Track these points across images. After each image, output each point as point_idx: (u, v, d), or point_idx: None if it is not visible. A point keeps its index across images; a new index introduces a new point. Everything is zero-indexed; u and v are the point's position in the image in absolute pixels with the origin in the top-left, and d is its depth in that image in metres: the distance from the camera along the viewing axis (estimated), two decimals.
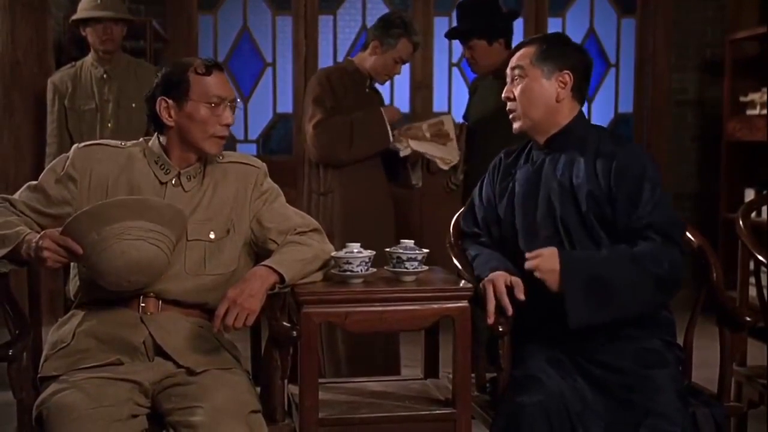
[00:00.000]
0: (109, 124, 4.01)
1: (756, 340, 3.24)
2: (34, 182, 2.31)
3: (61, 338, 2.24)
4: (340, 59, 5.63)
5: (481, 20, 3.71)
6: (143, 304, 2.25)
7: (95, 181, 2.27)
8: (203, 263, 2.29)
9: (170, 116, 2.27)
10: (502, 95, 2.47)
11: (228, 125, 2.29)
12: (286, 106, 5.75)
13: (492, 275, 2.32)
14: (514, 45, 3.73)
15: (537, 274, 2.23)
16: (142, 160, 2.31)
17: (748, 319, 2.38)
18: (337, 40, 5.74)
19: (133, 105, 4.07)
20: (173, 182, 2.30)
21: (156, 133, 2.35)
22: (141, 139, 2.39)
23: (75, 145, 2.35)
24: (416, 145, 3.56)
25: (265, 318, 2.29)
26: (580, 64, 2.43)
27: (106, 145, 2.35)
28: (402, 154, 3.58)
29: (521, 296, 2.27)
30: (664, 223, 2.30)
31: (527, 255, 2.27)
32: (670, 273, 2.25)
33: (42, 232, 2.10)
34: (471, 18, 3.74)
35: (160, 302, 2.26)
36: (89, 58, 4.11)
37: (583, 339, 2.28)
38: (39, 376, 2.21)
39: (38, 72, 4.35)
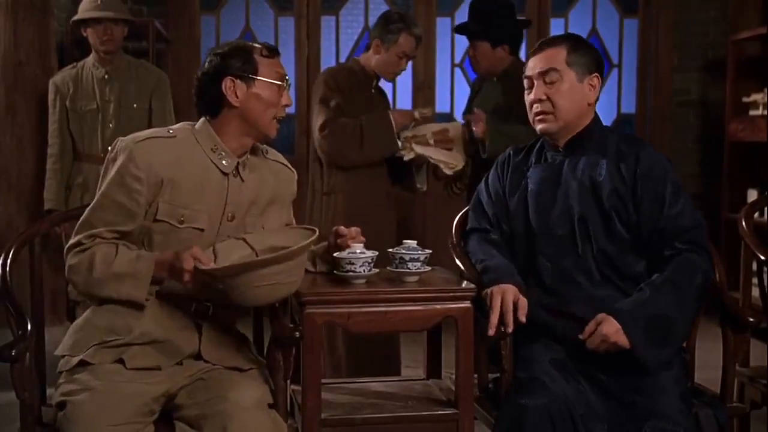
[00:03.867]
0: (111, 125, 4.01)
1: (759, 340, 3.23)
2: (104, 199, 2.19)
3: (114, 329, 2.20)
4: (342, 60, 5.64)
5: (490, 23, 3.70)
6: (194, 310, 2.25)
7: (159, 176, 2.18)
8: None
9: (237, 96, 2.24)
10: (531, 97, 2.42)
11: (287, 106, 2.31)
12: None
13: (503, 286, 2.29)
14: (523, 51, 3.79)
15: (607, 342, 2.21)
16: (195, 146, 2.25)
17: (751, 319, 2.38)
18: (339, 40, 5.75)
19: (135, 105, 4.07)
20: (233, 173, 2.28)
21: (204, 118, 2.29)
22: (183, 125, 2.32)
23: (124, 143, 2.20)
24: (420, 149, 3.55)
25: (268, 318, 2.29)
26: (602, 65, 2.45)
27: (157, 136, 2.24)
28: (406, 158, 3.57)
29: (523, 318, 2.25)
30: (689, 229, 2.33)
31: (584, 337, 2.23)
32: (704, 281, 2.31)
33: (183, 264, 2.09)
34: (480, 19, 3.74)
35: (210, 307, 2.27)
36: (90, 58, 4.11)
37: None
38: (78, 362, 2.17)
39: (41, 73, 4.35)
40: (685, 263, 2.29)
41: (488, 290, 2.30)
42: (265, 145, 2.40)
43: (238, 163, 2.27)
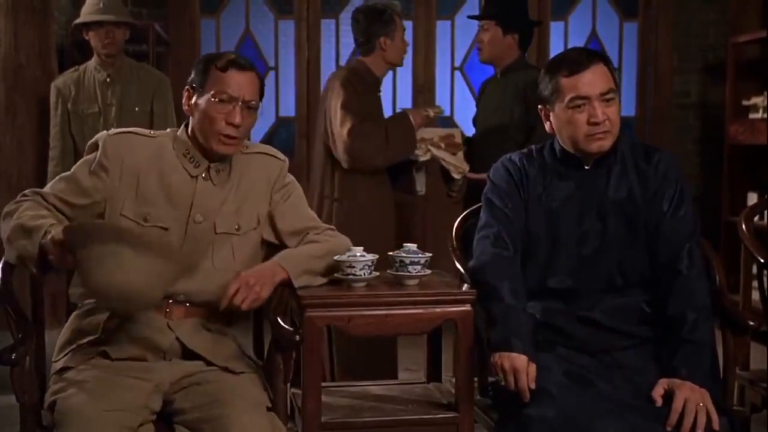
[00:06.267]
0: (112, 128, 4.01)
1: (758, 343, 3.23)
2: (67, 173, 2.29)
3: (87, 330, 2.22)
4: (342, 63, 5.63)
5: (506, 8, 3.73)
6: (168, 309, 2.25)
7: (126, 171, 2.25)
8: (232, 257, 2.29)
9: (188, 106, 2.29)
10: (594, 118, 2.30)
11: (234, 125, 2.23)
12: (288, 109, 5.75)
13: (514, 363, 2.20)
14: (531, 56, 3.80)
15: (701, 407, 2.14)
16: (171, 152, 2.30)
17: (751, 323, 2.38)
18: (339, 43, 5.75)
19: (136, 109, 4.08)
20: (203, 176, 2.30)
21: (185, 122, 2.34)
22: (169, 130, 2.39)
23: (104, 133, 2.31)
24: (435, 152, 3.59)
25: (268, 321, 2.29)
26: None
27: (136, 133, 2.31)
28: (422, 159, 3.60)
29: (532, 385, 2.19)
30: (692, 241, 2.33)
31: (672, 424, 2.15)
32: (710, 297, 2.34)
33: (51, 233, 2.05)
34: (498, 2, 3.76)
35: (187, 306, 2.26)
36: (92, 62, 4.12)
37: (606, 344, 2.29)
38: (60, 367, 2.19)
39: (41, 75, 4.36)
40: (698, 281, 2.31)
41: (498, 361, 2.22)
42: (246, 141, 2.39)
43: (209, 166, 2.29)
